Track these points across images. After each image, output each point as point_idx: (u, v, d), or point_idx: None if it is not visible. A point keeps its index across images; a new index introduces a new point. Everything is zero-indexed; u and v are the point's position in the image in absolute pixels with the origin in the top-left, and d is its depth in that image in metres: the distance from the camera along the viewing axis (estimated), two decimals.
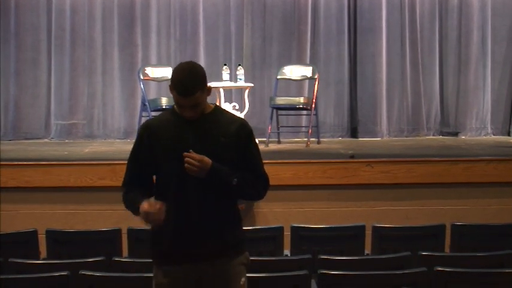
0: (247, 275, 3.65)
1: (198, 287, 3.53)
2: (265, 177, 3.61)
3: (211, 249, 3.50)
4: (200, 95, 3.46)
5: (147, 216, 3.41)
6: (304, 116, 9.51)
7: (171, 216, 3.47)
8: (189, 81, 3.44)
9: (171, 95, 3.51)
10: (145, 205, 3.40)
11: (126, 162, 3.64)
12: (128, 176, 3.62)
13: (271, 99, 8.88)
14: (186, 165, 3.40)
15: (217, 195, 3.50)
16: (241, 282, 3.56)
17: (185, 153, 3.41)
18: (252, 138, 3.61)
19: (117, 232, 5.61)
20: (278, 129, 9.12)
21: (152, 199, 3.44)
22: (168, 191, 3.50)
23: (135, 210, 3.47)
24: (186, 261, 3.50)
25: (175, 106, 3.57)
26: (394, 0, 9.78)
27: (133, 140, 3.69)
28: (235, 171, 3.49)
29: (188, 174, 3.42)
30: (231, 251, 3.55)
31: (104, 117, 9.63)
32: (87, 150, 8.47)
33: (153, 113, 8.30)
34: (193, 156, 3.41)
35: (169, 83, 3.54)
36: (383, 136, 9.72)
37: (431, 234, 5.59)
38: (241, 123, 3.59)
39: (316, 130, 8.98)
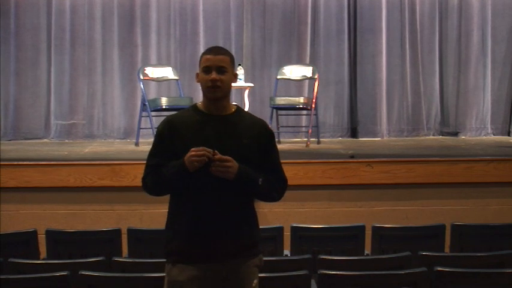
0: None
1: (216, 287, 3.51)
2: (284, 180, 3.61)
3: (228, 248, 3.47)
4: (228, 62, 3.49)
5: (192, 158, 3.37)
6: (304, 116, 9.52)
7: (189, 215, 3.46)
8: (220, 47, 3.59)
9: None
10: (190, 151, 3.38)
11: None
12: (149, 169, 3.54)
13: (271, 99, 8.88)
14: (212, 168, 3.36)
15: (236, 195, 3.47)
16: (253, 284, 3.54)
17: (216, 157, 3.36)
18: (273, 140, 3.60)
19: (117, 232, 5.60)
20: (278, 129, 9.12)
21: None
22: (187, 189, 3.47)
23: (177, 169, 3.41)
24: (201, 260, 3.47)
25: (198, 104, 3.57)
26: (394, 0, 9.79)
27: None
28: (259, 172, 3.47)
29: (207, 173, 3.39)
30: (246, 252, 3.52)
31: (104, 117, 9.63)
32: (87, 150, 8.47)
33: (153, 113, 8.29)
34: (225, 158, 3.37)
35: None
36: (383, 136, 9.72)
37: (431, 234, 5.59)
38: (264, 125, 3.59)
39: (316, 130, 8.98)
